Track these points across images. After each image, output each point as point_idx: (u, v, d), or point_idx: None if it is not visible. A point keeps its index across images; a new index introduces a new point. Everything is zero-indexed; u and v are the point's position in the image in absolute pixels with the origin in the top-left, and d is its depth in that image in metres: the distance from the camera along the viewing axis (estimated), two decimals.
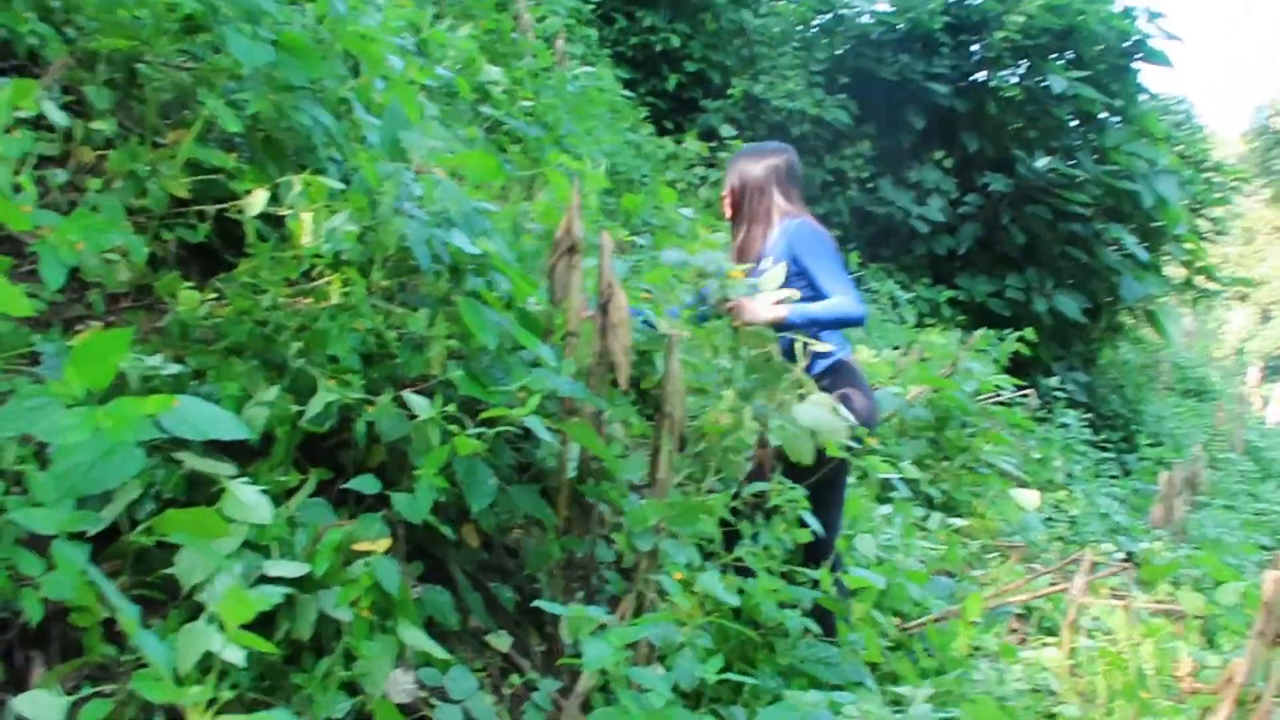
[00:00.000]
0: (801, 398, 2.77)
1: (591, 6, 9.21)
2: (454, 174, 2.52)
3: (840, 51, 11.15)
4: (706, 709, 2.20)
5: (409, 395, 2.04)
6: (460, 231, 2.38)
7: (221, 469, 1.70)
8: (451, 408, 2.05)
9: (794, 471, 2.80)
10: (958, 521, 4.88)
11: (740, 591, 2.48)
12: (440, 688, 1.99)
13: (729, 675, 2.00)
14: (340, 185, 2.20)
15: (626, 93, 8.79)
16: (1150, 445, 11.33)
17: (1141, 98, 11.20)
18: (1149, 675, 3.29)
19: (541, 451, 2.60)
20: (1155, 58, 10.79)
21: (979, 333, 7.58)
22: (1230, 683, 2.79)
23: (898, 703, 2.63)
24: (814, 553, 2.94)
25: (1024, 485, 6.18)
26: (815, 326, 2.96)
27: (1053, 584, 4.46)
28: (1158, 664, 3.47)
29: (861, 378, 3.14)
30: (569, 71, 7.03)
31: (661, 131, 9.56)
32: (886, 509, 4.38)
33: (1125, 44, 10.63)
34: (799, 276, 3.03)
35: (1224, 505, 10.95)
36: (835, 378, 3.06)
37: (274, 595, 1.48)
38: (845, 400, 2.90)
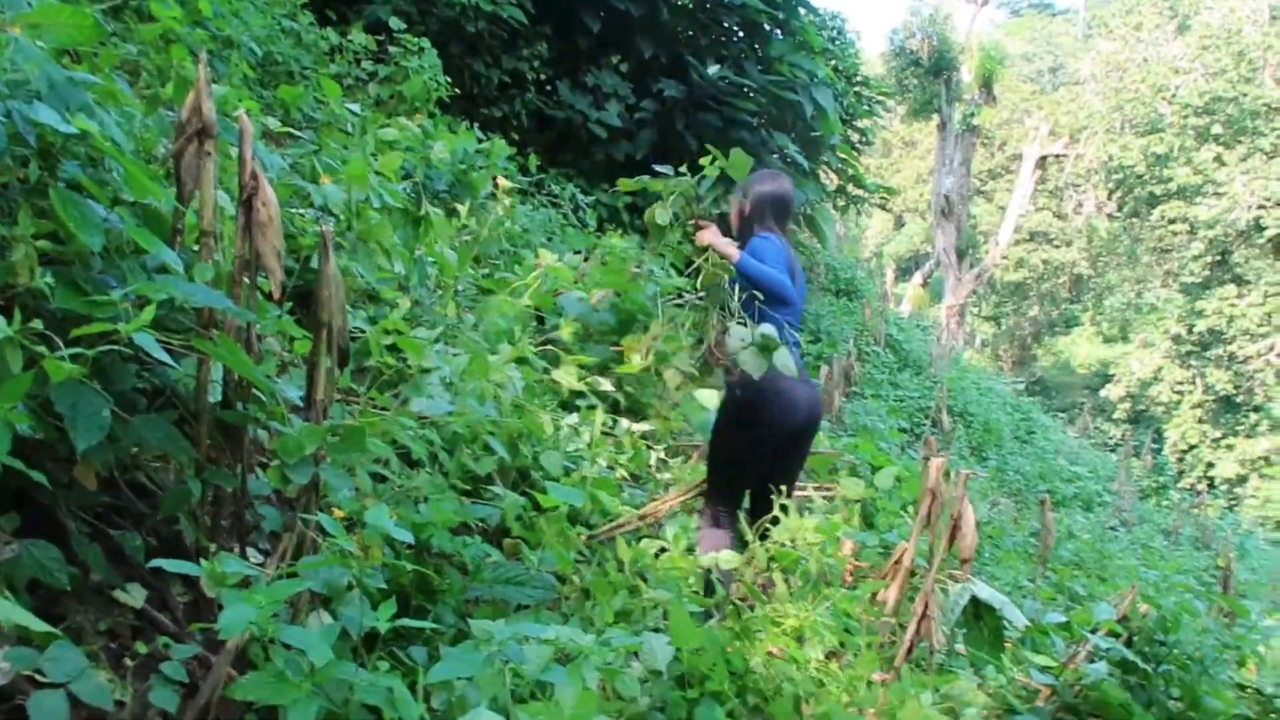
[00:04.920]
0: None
1: None
2: (35, 34, 2.01)
3: None
4: (382, 653, 1.96)
5: None
6: (48, 106, 1.92)
7: None
8: (38, 323, 1.63)
9: None
10: (644, 426, 4.89)
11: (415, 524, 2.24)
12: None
13: (403, 621, 1.77)
14: None
15: None
16: (812, 342, 12.18)
17: (802, 12, 11.68)
18: (822, 563, 3.41)
19: (176, 374, 2.21)
20: None
21: None
22: (898, 564, 2.92)
23: (592, 621, 2.53)
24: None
25: (703, 385, 6.33)
26: (748, 281, 3.37)
27: None
28: (828, 550, 3.62)
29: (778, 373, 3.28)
30: None
31: (324, 21, 8.73)
32: (573, 418, 4.27)
33: None
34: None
35: (872, 394, 12.04)
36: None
37: None
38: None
